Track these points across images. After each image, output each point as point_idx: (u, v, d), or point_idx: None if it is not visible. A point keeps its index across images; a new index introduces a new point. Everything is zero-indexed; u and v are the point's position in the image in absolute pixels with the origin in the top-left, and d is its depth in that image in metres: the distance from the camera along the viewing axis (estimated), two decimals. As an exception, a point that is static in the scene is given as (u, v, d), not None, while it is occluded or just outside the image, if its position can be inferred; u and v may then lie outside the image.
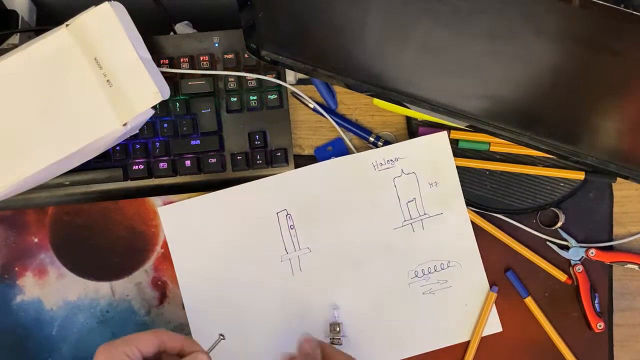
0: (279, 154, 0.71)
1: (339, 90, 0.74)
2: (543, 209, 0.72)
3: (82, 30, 0.61)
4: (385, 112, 0.73)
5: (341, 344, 0.69)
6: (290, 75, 0.73)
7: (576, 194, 0.72)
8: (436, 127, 0.72)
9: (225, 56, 0.71)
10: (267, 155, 0.72)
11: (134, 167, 0.71)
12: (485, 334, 0.71)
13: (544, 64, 0.54)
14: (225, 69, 0.72)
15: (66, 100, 0.61)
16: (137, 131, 0.70)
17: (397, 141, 0.73)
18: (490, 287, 0.71)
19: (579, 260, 0.71)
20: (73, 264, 0.71)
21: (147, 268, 0.71)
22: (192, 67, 0.71)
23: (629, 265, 0.71)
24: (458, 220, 0.71)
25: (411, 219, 0.71)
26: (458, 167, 0.72)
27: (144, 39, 0.65)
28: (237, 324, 0.70)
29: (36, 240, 0.71)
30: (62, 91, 0.61)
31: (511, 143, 0.69)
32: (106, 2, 0.61)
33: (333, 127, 0.73)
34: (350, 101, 0.74)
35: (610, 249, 0.72)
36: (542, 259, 0.72)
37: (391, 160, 0.71)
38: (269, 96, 0.72)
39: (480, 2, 0.49)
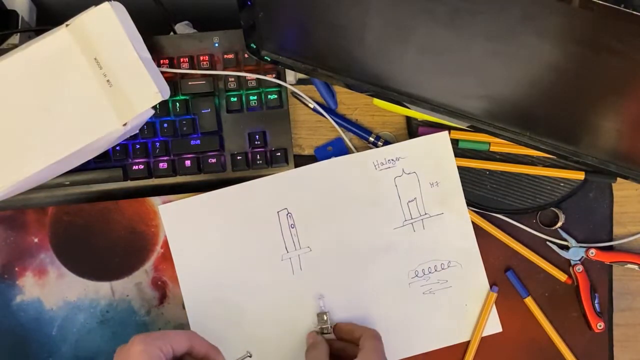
0: (279, 154, 0.71)
1: (339, 90, 0.74)
2: (543, 209, 0.72)
3: (82, 30, 0.61)
4: (385, 112, 0.73)
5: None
6: (290, 75, 0.73)
7: (576, 194, 0.72)
8: (436, 127, 0.72)
9: (225, 56, 0.71)
10: (267, 155, 0.72)
11: (134, 167, 0.71)
12: (485, 334, 0.71)
13: (544, 64, 0.54)
14: (225, 69, 0.72)
15: (66, 100, 0.61)
16: (137, 131, 0.70)
17: (397, 141, 0.73)
18: (491, 287, 0.71)
19: (579, 260, 0.71)
20: (73, 264, 0.71)
21: (147, 268, 0.71)
22: (192, 67, 0.71)
23: (629, 265, 0.71)
24: (459, 220, 0.71)
25: (412, 218, 0.71)
26: (458, 167, 0.71)
27: (144, 39, 0.65)
28: (238, 324, 0.69)
29: (36, 240, 0.71)
30: (62, 91, 0.61)
31: (511, 143, 0.69)
32: (106, 2, 0.61)
33: (333, 127, 0.73)
34: (350, 101, 0.74)
35: (610, 249, 0.72)
36: (542, 259, 0.72)
37: (392, 160, 0.71)
38: (269, 96, 0.72)
39: (480, 2, 0.49)
